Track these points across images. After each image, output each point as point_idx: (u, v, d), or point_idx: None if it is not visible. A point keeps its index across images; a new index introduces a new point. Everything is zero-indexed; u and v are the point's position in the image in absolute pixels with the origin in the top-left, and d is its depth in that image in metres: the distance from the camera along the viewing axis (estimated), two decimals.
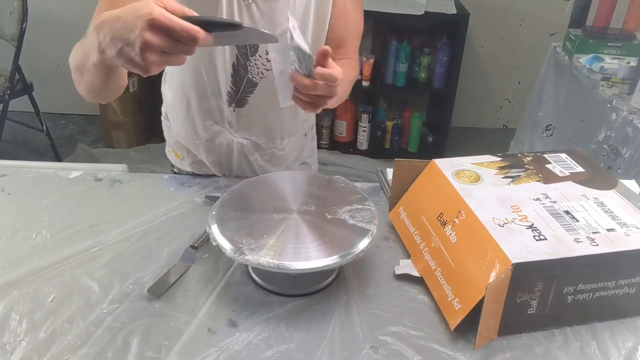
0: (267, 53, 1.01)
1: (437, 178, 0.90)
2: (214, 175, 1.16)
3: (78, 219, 0.95)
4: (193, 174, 1.20)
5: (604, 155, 1.76)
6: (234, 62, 1.02)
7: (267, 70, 1.03)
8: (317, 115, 1.13)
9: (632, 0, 2.21)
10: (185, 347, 0.71)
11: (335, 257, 0.74)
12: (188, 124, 1.13)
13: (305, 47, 0.76)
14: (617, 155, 1.70)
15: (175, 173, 1.25)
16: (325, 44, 1.04)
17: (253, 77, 1.04)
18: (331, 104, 0.87)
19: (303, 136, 1.23)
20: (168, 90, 1.16)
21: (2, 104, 2.53)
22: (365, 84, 2.97)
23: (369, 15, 2.83)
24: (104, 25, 0.65)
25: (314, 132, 1.30)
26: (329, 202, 0.86)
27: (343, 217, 0.82)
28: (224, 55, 1.02)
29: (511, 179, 0.88)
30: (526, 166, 0.92)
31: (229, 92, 1.06)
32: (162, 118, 1.23)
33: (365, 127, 3.09)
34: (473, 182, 0.87)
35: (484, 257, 0.73)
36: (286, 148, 1.18)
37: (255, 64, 1.03)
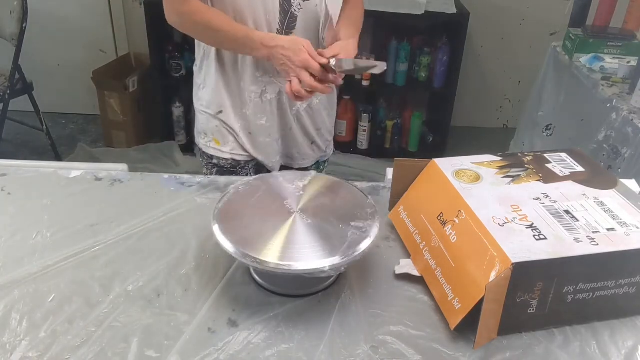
0: None
1: (437, 177, 0.89)
2: (224, 174, 1.21)
3: (78, 218, 0.95)
4: (221, 167, 1.27)
5: (604, 155, 1.76)
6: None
7: (304, 1, 1.11)
8: None
9: (632, 0, 2.20)
10: (186, 346, 0.71)
11: (336, 257, 0.74)
12: (236, 84, 1.19)
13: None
14: (617, 154, 1.70)
15: (210, 168, 1.32)
16: None
17: (294, 10, 1.11)
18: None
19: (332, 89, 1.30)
20: (214, 60, 1.20)
21: (2, 104, 2.52)
22: (365, 83, 2.96)
23: (369, 15, 2.84)
24: (274, 49, 1.05)
25: (335, 107, 1.43)
26: (330, 202, 0.86)
27: (343, 218, 0.82)
28: None
29: (511, 179, 0.88)
30: (526, 166, 0.92)
31: (277, 29, 1.12)
32: (199, 106, 1.27)
33: (365, 126, 3.08)
34: (473, 182, 0.87)
35: (484, 257, 0.73)
36: (319, 96, 1.27)
37: None
